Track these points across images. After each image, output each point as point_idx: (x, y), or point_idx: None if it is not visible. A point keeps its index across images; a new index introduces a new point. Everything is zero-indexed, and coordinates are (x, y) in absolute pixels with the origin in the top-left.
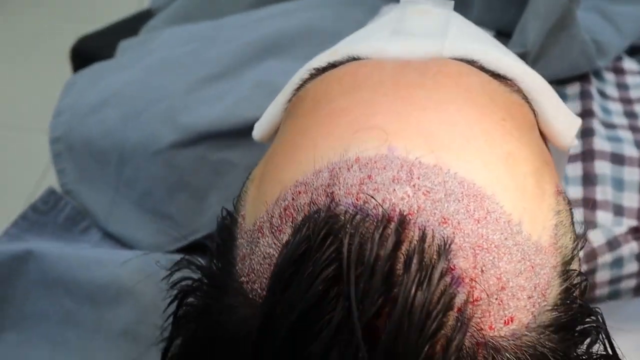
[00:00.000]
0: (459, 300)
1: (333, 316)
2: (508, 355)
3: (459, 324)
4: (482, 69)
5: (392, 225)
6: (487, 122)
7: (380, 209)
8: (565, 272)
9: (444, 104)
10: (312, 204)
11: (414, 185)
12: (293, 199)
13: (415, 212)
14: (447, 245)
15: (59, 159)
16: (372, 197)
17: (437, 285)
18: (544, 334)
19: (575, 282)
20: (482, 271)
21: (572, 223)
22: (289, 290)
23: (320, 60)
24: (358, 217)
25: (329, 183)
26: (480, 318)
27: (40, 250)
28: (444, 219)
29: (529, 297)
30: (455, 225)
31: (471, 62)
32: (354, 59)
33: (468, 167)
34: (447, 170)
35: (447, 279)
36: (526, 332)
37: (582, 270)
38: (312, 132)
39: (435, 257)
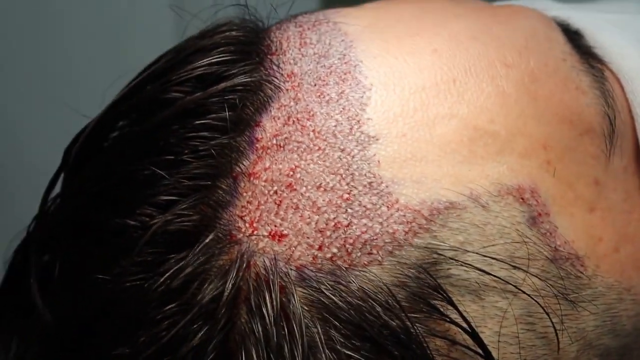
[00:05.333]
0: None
1: None
2: (261, 272)
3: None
4: (575, 44)
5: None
6: (474, 47)
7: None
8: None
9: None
10: None
11: (301, 33)
12: None
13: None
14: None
15: None
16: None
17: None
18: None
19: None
20: (279, 145)
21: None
22: None
23: None
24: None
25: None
26: (247, 201)
27: None
28: (291, 73)
29: (320, 230)
30: (298, 73)
31: (570, 32)
32: None
33: (368, 45)
34: (335, 28)
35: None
36: (299, 270)
37: None
38: None
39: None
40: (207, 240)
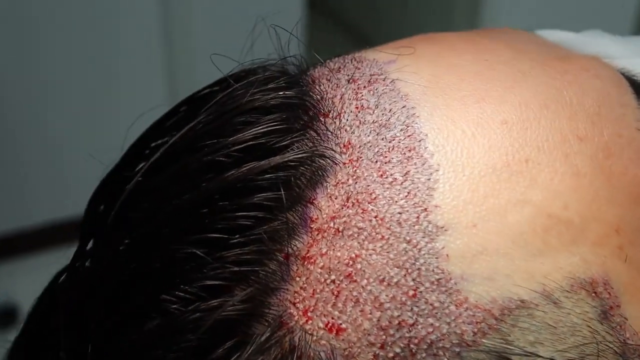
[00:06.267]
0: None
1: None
2: None
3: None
4: None
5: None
6: (545, 118)
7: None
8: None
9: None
10: None
11: (356, 92)
12: None
13: (328, 100)
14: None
15: None
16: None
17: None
18: None
19: None
20: (338, 230)
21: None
22: None
23: None
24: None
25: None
26: (301, 287)
27: None
28: (348, 144)
29: (383, 328)
30: (356, 144)
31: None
32: None
33: (431, 112)
34: (394, 89)
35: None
36: None
37: None
38: None
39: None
40: (262, 339)
